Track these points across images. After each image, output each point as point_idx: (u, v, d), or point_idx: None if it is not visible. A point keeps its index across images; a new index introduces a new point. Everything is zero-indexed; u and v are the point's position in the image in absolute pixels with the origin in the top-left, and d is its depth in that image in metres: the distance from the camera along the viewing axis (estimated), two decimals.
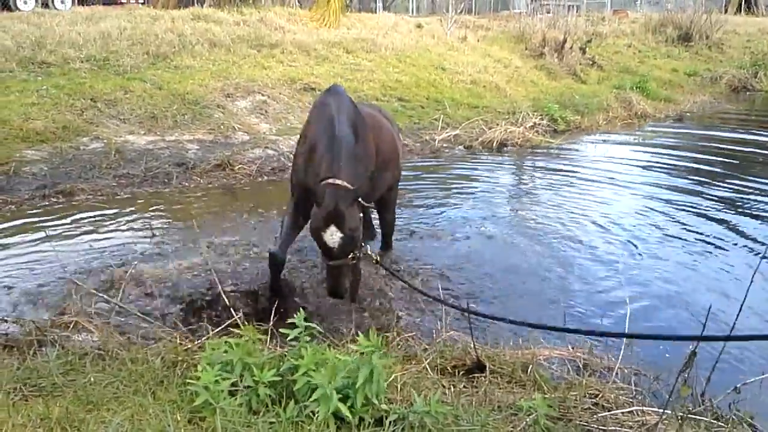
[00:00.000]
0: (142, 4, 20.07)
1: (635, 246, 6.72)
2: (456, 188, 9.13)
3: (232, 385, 3.07)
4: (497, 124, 12.12)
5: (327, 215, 3.98)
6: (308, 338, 3.33)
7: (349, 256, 4.15)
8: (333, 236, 3.99)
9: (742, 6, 33.51)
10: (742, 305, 3.33)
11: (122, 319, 4.72)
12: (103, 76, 11.06)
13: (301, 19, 16.95)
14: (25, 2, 20.54)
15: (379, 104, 11.74)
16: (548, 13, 22.50)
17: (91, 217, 7.33)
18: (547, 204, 8.21)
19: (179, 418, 2.95)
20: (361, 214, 4.36)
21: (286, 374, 3.17)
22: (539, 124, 12.48)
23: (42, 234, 6.48)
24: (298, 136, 5.16)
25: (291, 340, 3.35)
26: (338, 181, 4.04)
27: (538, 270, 6.11)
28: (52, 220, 7.19)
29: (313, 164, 4.39)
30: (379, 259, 4.72)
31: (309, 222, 4.26)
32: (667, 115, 15.49)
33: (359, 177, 4.25)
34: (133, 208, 7.68)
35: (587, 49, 18.59)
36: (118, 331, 4.29)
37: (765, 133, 13.10)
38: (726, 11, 30.04)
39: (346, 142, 4.27)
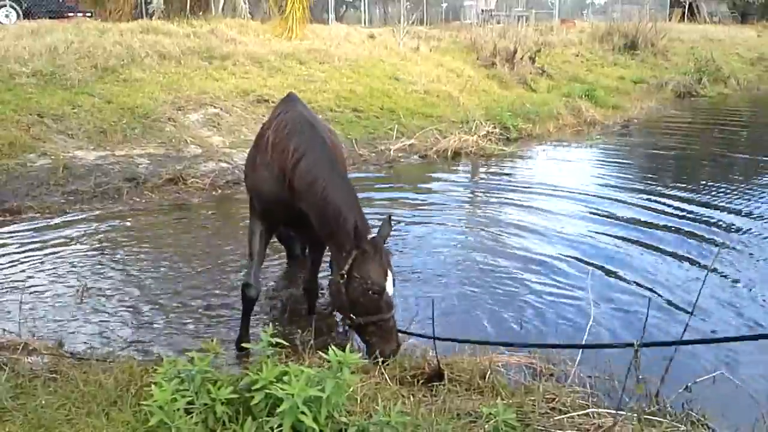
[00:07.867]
0: (89, 16, 19.53)
1: (590, 256, 6.69)
2: (411, 196, 9.18)
3: (188, 403, 3.02)
4: (451, 133, 12.20)
5: (387, 262, 3.94)
6: (270, 352, 3.28)
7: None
8: (391, 283, 3.95)
9: (686, 14, 34.59)
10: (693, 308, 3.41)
11: (75, 339, 4.63)
12: (50, 91, 10.79)
13: (254, 30, 16.84)
14: (7, 15, 19.85)
15: (333, 115, 11.81)
16: (498, 23, 22.82)
17: (40, 235, 7.14)
18: (498, 214, 8.26)
19: None
20: None
21: (244, 390, 3.13)
22: (492, 133, 12.61)
23: None
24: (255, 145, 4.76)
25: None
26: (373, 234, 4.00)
27: (490, 281, 6.04)
28: None
29: (301, 174, 4.07)
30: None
31: (352, 286, 3.92)
32: (615, 121, 15.85)
33: None
34: (82, 225, 7.51)
35: (537, 58, 18.90)
36: (69, 351, 4.19)
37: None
38: (670, 19, 30.90)
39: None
